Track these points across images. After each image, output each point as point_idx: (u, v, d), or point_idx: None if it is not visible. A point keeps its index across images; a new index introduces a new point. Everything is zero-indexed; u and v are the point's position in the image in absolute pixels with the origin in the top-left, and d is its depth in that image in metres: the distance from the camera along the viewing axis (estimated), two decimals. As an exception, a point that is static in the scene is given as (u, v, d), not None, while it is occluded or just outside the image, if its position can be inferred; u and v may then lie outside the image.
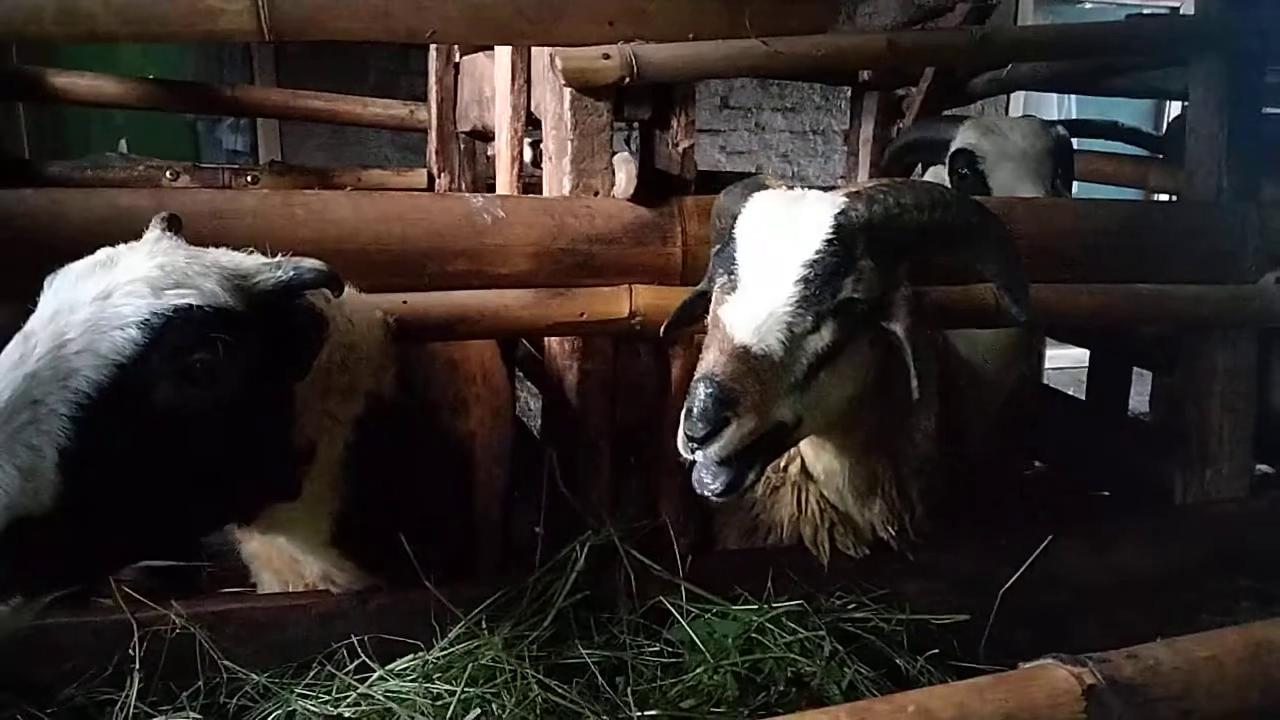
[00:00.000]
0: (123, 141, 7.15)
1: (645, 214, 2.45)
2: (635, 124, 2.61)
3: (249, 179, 4.61)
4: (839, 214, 1.99)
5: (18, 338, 1.62)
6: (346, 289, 1.96)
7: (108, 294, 1.65)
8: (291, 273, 1.80)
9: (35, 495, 1.48)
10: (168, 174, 4.51)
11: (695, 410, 1.84)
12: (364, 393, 2.06)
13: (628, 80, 2.35)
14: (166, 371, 1.63)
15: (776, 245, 1.99)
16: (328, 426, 2.00)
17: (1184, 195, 3.04)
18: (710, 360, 1.91)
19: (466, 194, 2.79)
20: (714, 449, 1.88)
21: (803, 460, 2.46)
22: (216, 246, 2.14)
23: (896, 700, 1.22)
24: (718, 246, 2.13)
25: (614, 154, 2.45)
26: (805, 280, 1.95)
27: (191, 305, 1.66)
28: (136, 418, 1.61)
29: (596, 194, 2.47)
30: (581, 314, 2.37)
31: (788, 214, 2.02)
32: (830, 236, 1.96)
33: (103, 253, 1.77)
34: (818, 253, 1.96)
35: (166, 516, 1.77)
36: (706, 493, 1.99)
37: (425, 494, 2.33)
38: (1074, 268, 2.66)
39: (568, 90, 2.39)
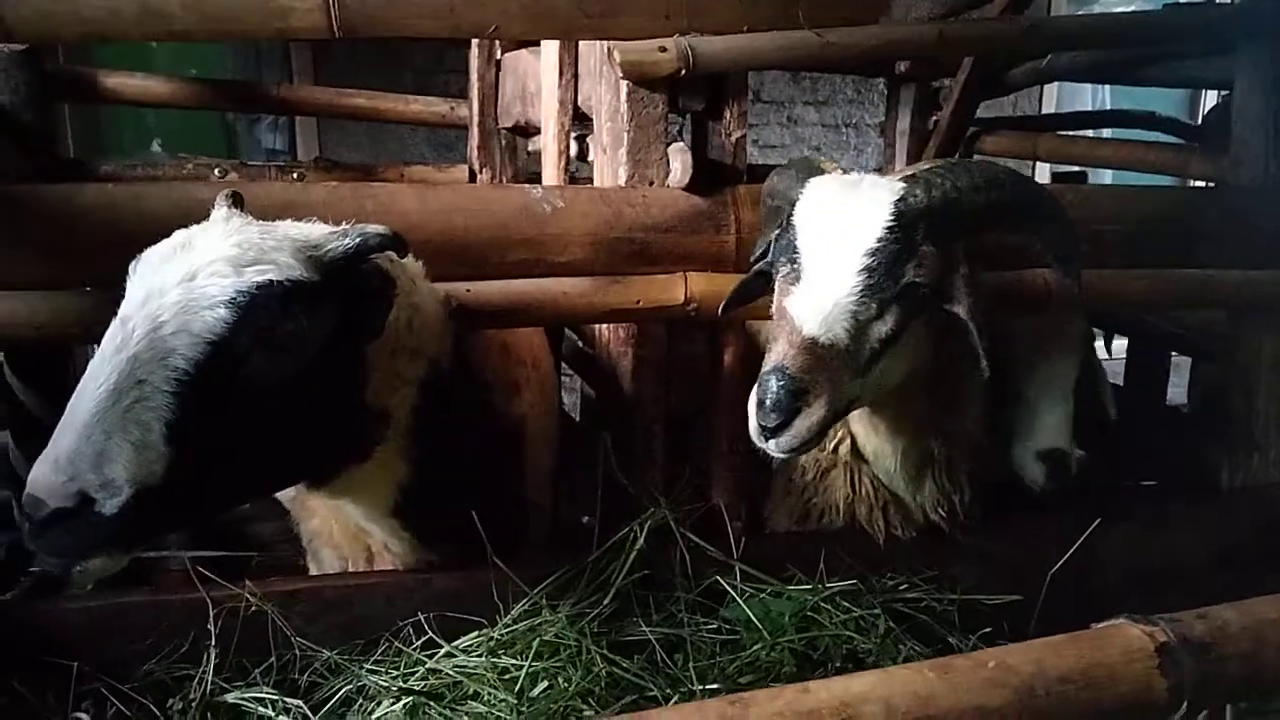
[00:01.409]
0: (156, 141, 7.30)
1: (699, 203, 2.50)
2: (686, 115, 2.65)
3: (295, 175, 4.70)
4: (899, 200, 2.02)
5: (115, 324, 1.72)
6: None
7: (193, 275, 1.75)
8: (359, 239, 1.89)
9: (150, 467, 1.61)
10: (216, 172, 4.60)
11: (768, 402, 1.90)
12: (428, 357, 2.15)
13: (683, 72, 2.40)
14: (254, 344, 1.74)
15: (838, 234, 2.02)
16: (396, 387, 2.09)
17: (1229, 181, 3.05)
18: (780, 352, 1.95)
19: (526, 185, 2.84)
20: (785, 439, 1.94)
21: (853, 441, 2.50)
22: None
23: (976, 656, 1.27)
24: (777, 233, 2.17)
25: (669, 144, 2.50)
26: (869, 269, 1.98)
27: (272, 280, 1.76)
28: (230, 388, 1.73)
29: (651, 184, 2.52)
30: (638, 301, 2.42)
31: (847, 201, 2.05)
32: (891, 223, 2.00)
33: (179, 235, 1.87)
34: (879, 240, 1.99)
35: (259, 474, 1.93)
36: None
37: (481, 471, 2.41)
38: (1121, 253, 2.68)
39: (624, 83, 2.45)
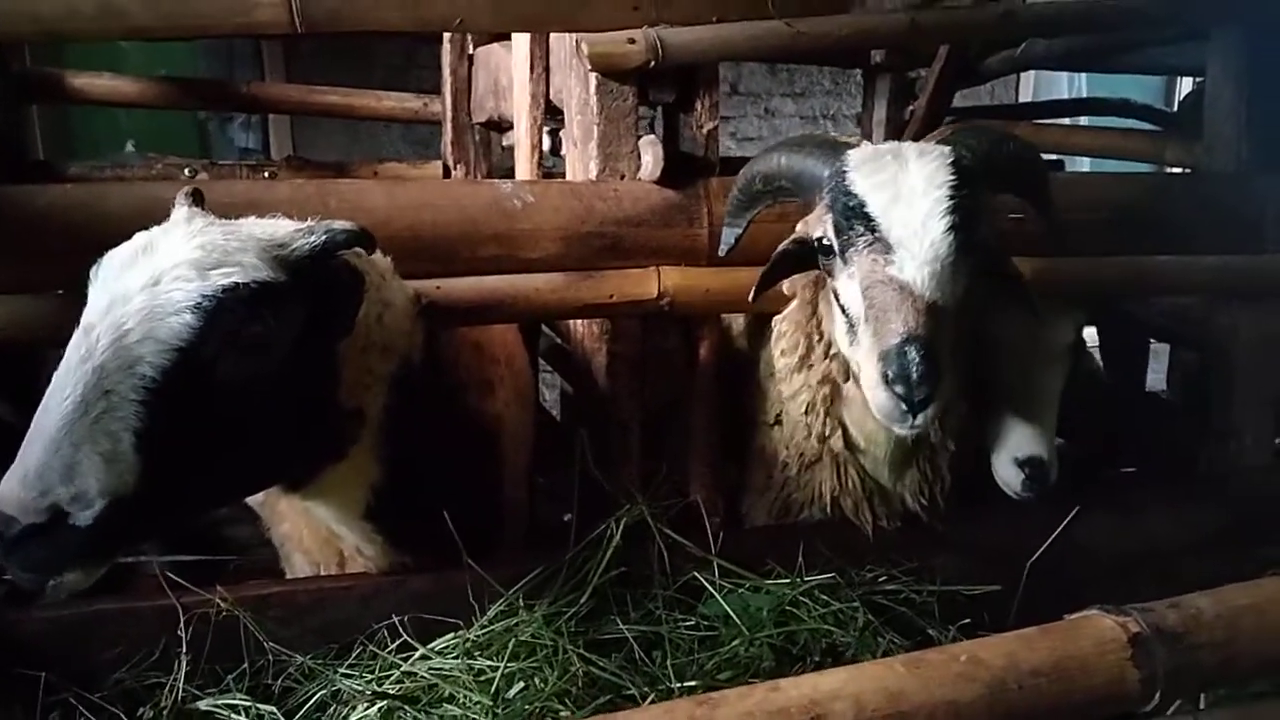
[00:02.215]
0: (130, 142, 7.21)
1: (672, 196, 2.47)
2: (657, 108, 2.63)
3: (266, 174, 4.65)
4: (954, 162, 2.01)
5: (79, 333, 1.69)
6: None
7: (157, 280, 1.72)
8: (325, 236, 1.87)
9: (121, 477, 1.59)
10: (186, 171, 4.55)
11: (914, 374, 1.84)
12: (399, 354, 2.13)
13: (653, 64, 2.38)
14: (222, 348, 1.71)
15: (914, 197, 1.98)
16: (369, 385, 2.07)
17: (1203, 167, 3.05)
18: (904, 320, 1.89)
19: (496, 180, 2.81)
20: (932, 410, 1.91)
21: (844, 432, 2.48)
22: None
23: (949, 650, 1.25)
24: (842, 209, 2.05)
25: (639, 137, 2.47)
26: (954, 227, 1.96)
27: (238, 283, 1.73)
28: (200, 394, 1.70)
29: (623, 177, 2.49)
30: (611, 296, 2.40)
31: (907, 166, 2.01)
32: (956, 183, 1.98)
33: (140, 238, 1.84)
34: (952, 199, 1.97)
35: (234, 479, 1.91)
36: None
37: (455, 471, 2.38)
38: (1098, 240, 2.68)
39: (593, 75, 2.42)
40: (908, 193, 1.99)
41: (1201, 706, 1.41)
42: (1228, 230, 2.83)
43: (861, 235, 2.01)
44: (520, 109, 3.20)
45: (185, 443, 1.70)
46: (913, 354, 1.84)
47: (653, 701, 1.95)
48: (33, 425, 1.60)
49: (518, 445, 2.73)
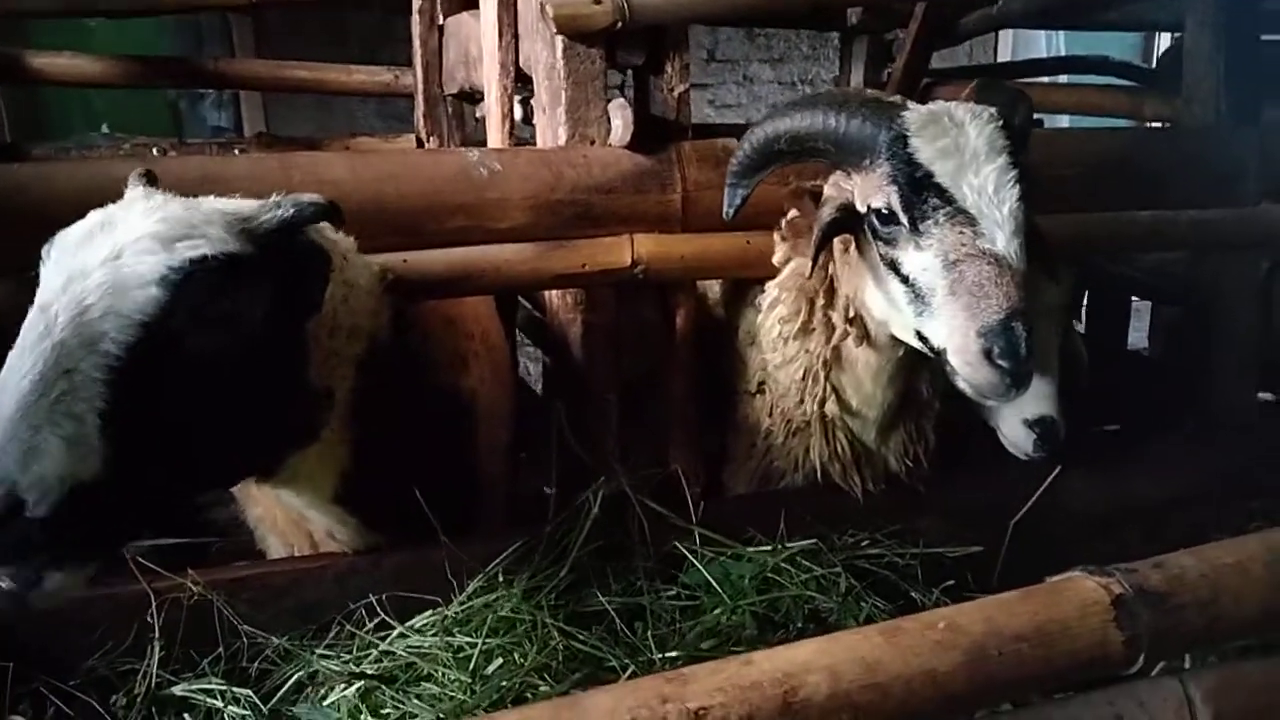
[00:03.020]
0: (104, 125, 7.09)
1: (643, 161, 2.42)
2: (627, 72, 2.57)
3: (236, 152, 4.57)
4: (1001, 125, 1.97)
5: (34, 311, 1.61)
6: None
7: (118, 254, 1.64)
8: (293, 210, 1.79)
9: (83, 461, 1.50)
10: (154, 151, 4.47)
11: (1022, 350, 1.81)
12: (365, 333, 2.07)
13: (619, 25, 2.32)
14: (190, 324, 1.64)
15: (978, 164, 1.93)
16: (335, 366, 2.01)
17: (1182, 121, 3.02)
18: (1005, 295, 1.85)
19: (462, 149, 2.75)
20: (1029, 381, 1.89)
21: (837, 396, 2.45)
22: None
23: (925, 617, 1.22)
24: (908, 178, 1.98)
25: (609, 101, 2.42)
26: (1022, 195, 1.93)
27: (205, 255, 1.65)
28: (167, 372, 1.62)
29: (593, 143, 2.44)
30: (583, 265, 2.36)
31: (964, 131, 1.96)
32: (1009, 146, 1.95)
33: (95, 215, 1.76)
34: (1011, 164, 1.94)
35: (203, 465, 1.80)
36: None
37: (428, 450, 2.33)
38: (1077, 196, 2.64)
39: (559, 39, 2.36)
40: (972, 158, 1.94)
41: (1186, 667, 1.39)
42: (1207, 183, 2.79)
43: (939, 207, 1.95)
44: (490, 78, 3.13)
45: (151, 425, 1.61)
46: (1019, 330, 1.82)
47: (632, 674, 1.92)
48: None
49: (494, 421, 2.68)
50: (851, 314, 2.28)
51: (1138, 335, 4.74)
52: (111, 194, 2.07)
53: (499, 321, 2.91)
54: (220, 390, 1.72)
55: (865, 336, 2.29)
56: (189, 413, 1.69)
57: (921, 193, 1.96)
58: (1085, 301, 4.02)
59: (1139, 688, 1.30)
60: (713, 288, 2.80)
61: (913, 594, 2.39)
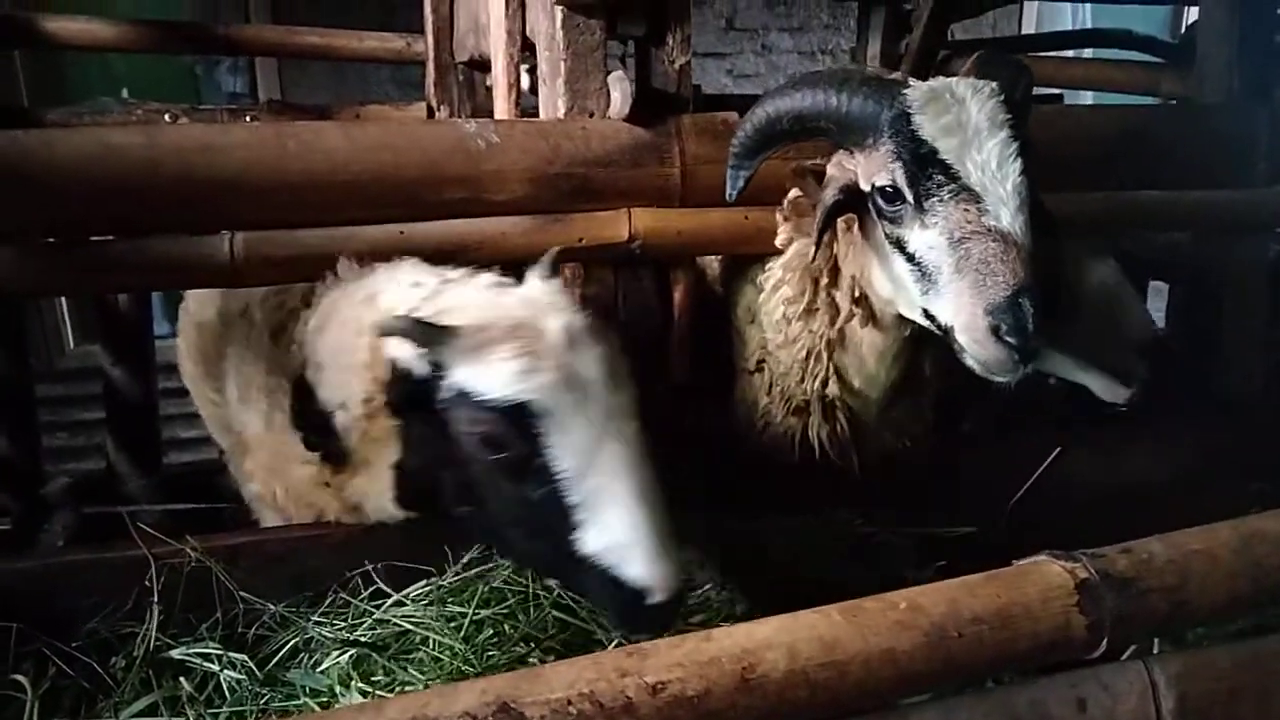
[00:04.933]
0: (124, 90, 7.10)
1: (642, 134, 2.40)
2: (629, 43, 2.55)
3: (247, 119, 4.57)
4: (1003, 100, 1.95)
5: None
6: None
7: None
8: None
9: None
10: (166, 117, 4.47)
11: (1030, 325, 1.81)
12: None
13: (618, -5, 2.30)
14: None
15: (981, 140, 1.92)
16: None
17: (1195, 98, 2.96)
18: (1012, 271, 1.84)
19: (460, 120, 2.74)
20: (1038, 357, 1.88)
21: (839, 376, 2.44)
22: (209, 180, 2.16)
23: (888, 598, 1.22)
24: (912, 155, 1.97)
25: (609, 73, 2.40)
26: (1023, 169, 1.92)
27: None
28: None
29: (592, 115, 2.42)
30: (580, 239, 2.35)
31: (966, 107, 1.95)
32: (1011, 121, 1.94)
33: None
34: (1013, 139, 1.92)
35: None
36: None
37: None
38: (1084, 174, 2.61)
39: (558, 9, 2.34)
40: (975, 134, 1.93)
41: (1155, 652, 1.39)
42: (1217, 162, 2.75)
43: (943, 184, 1.94)
44: (497, 46, 3.11)
45: None
46: (1026, 305, 1.81)
47: (617, 644, 1.94)
48: None
49: None
50: (857, 294, 2.26)
51: (1158, 316, 4.69)
52: (111, 162, 2.09)
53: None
54: None
55: (871, 317, 2.28)
56: None
57: (926, 170, 1.94)
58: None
59: (1104, 671, 1.30)
60: (712, 264, 2.78)
61: (906, 573, 2.40)
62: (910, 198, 1.98)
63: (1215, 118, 2.83)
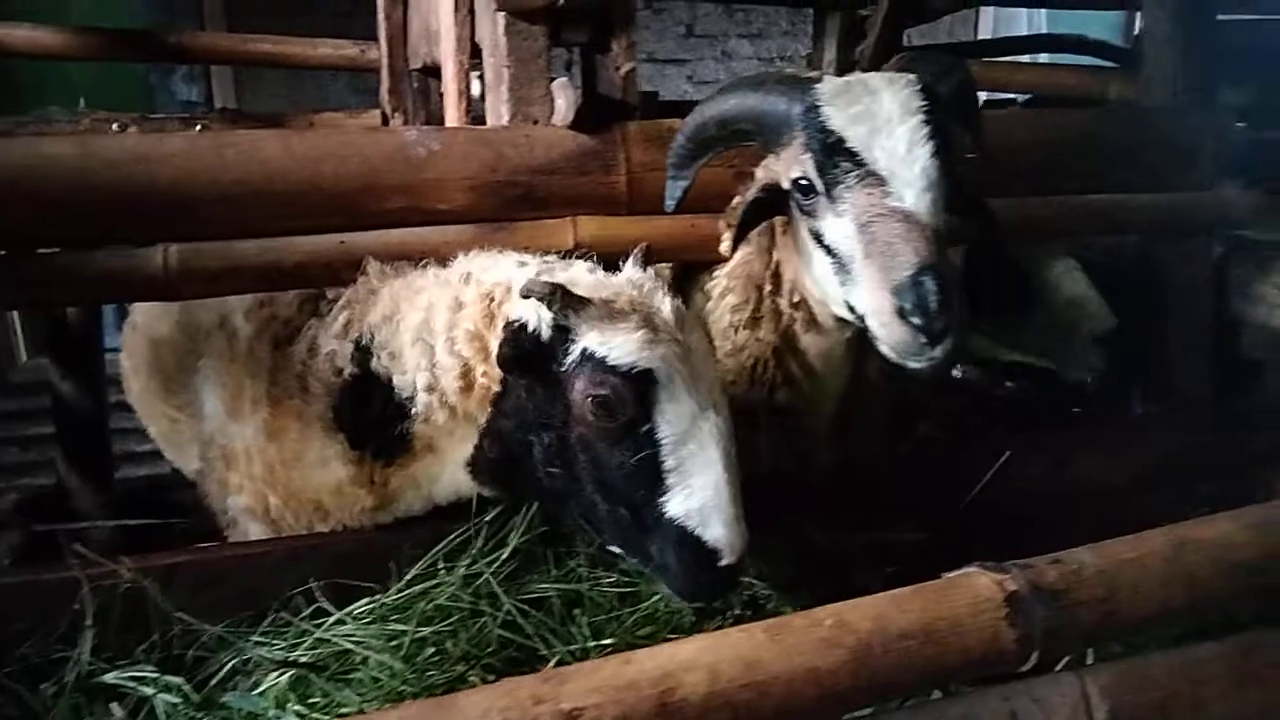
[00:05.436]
0: (81, 99, 6.98)
1: (587, 142, 2.37)
2: (576, 49, 2.52)
3: (198, 128, 4.50)
4: (921, 89, 1.95)
5: None
6: None
7: None
8: None
9: None
10: (113, 126, 4.40)
11: (934, 304, 1.77)
12: None
13: (561, 1, 2.27)
14: None
15: (892, 127, 1.91)
16: None
17: (1141, 102, 2.98)
18: (915, 250, 1.82)
19: (401, 128, 2.71)
20: (950, 341, 1.83)
21: (788, 384, 2.42)
22: (143, 191, 2.11)
23: (814, 615, 1.20)
24: (821, 145, 1.97)
25: (553, 80, 2.37)
26: (937, 153, 1.90)
27: None
28: None
29: (536, 123, 2.39)
30: (525, 248, 2.31)
31: (879, 96, 1.94)
32: (928, 108, 1.92)
33: None
34: (929, 125, 1.91)
35: None
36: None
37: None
38: (1030, 179, 2.61)
39: (501, 15, 2.31)
40: (885, 122, 1.92)
41: (1089, 662, 1.38)
42: (1162, 165, 2.76)
43: (850, 171, 1.93)
44: (447, 53, 3.08)
45: None
46: (929, 283, 1.78)
47: (558, 663, 1.90)
48: None
49: None
50: (796, 299, 2.25)
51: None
52: (44, 173, 2.04)
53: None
54: None
55: (812, 321, 2.26)
56: None
57: (834, 159, 1.94)
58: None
59: (1035, 684, 1.28)
60: (662, 272, 2.76)
61: (858, 581, 2.38)
62: (821, 188, 1.97)
63: (1159, 121, 2.85)
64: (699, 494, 1.76)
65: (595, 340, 1.79)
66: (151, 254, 2.15)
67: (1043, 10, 7.60)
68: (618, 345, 1.77)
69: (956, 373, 4.74)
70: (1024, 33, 7.51)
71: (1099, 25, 7.36)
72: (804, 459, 2.53)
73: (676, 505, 1.76)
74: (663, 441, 1.78)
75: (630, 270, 2.01)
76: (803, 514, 2.50)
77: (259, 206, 2.17)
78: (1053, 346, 2.74)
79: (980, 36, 8.00)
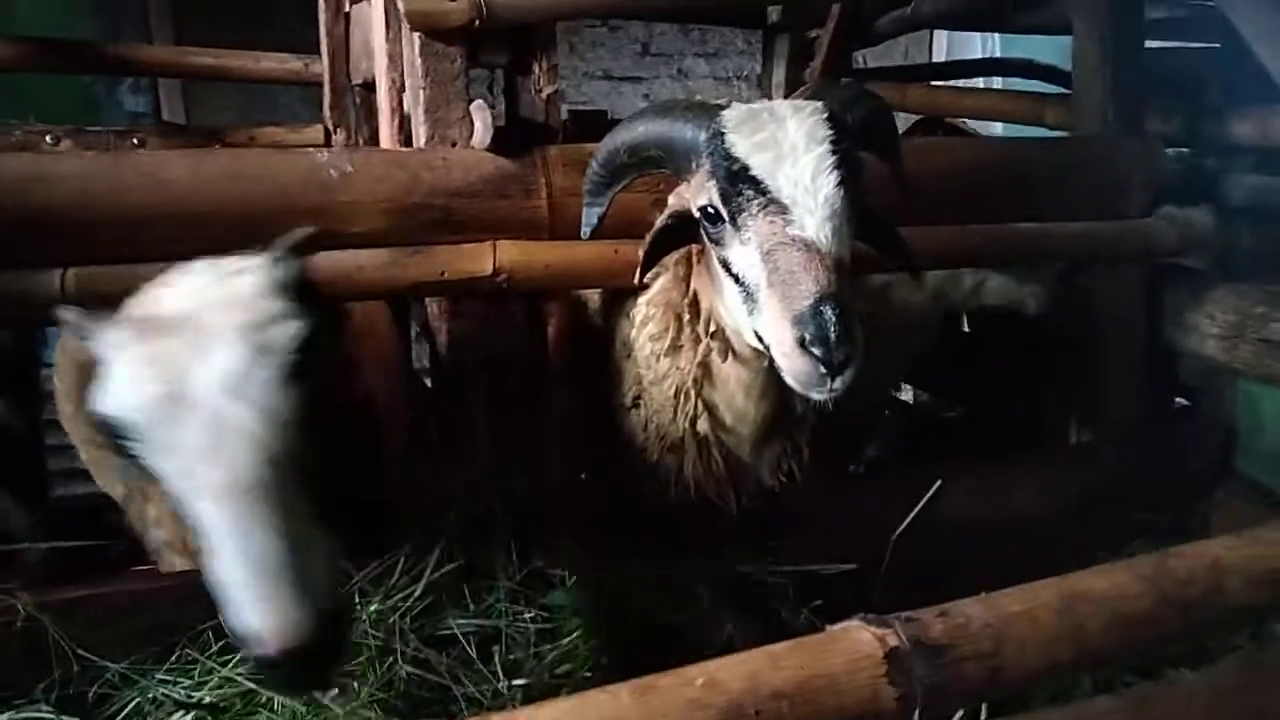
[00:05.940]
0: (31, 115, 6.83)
1: (507, 165, 2.33)
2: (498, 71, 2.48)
3: (134, 141, 4.41)
4: (828, 118, 1.91)
5: None
6: None
7: None
8: None
9: None
10: (47, 139, 4.31)
11: (833, 335, 1.72)
12: None
13: (478, 23, 2.23)
14: None
15: (797, 155, 1.87)
16: None
17: (1073, 130, 2.99)
18: (815, 280, 1.77)
19: (313, 149, 2.65)
20: (849, 373, 1.78)
21: (710, 413, 2.38)
22: (42, 211, 2.04)
23: (686, 673, 1.15)
24: (725, 173, 1.93)
25: (471, 102, 2.32)
26: (841, 181, 1.86)
27: None
28: None
29: (455, 145, 2.35)
30: (442, 273, 2.26)
31: (784, 125, 1.91)
32: (835, 138, 1.89)
33: None
34: (834, 154, 1.87)
35: None
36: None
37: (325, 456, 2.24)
38: (955, 208, 2.59)
39: (416, 36, 2.27)
40: (790, 150, 1.88)
41: (981, 718, 1.34)
42: (1094, 192, 2.76)
43: (753, 199, 1.89)
44: (379, 70, 3.02)
45: None
46: (829, 313, 1.73)
47: (475, 704, 1.84)
48: None
49: (390, 425, 2.58)
50: (713, 328, 2.21)
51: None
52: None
53: (391, 323, 2.81)
54: None
55: (729, 350, 2.23)
56: None
57: (737, 186, 1.90)
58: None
59: (921, 743, 1.25)
60: (593, 296, 2.72)
61: (782, 613, 2.35)
62: (725, 215, 1.94)
63: (1090, 149, 2.85)
64: (225, 563, 1.39)
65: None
66: (50, 277, 2.07)
67: (996, 34, 7.65)
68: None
69: (905, 397, 4.74)
70: (978, 56, 7.56)
71: (1050, 50, 7.43)
72: (729, 488, 2.48)
73: (213, 573, 1.42)
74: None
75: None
76: (728, 544, 2.47)
77: (163, 229, 2.10)
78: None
79: (934, 59, 8.05)
